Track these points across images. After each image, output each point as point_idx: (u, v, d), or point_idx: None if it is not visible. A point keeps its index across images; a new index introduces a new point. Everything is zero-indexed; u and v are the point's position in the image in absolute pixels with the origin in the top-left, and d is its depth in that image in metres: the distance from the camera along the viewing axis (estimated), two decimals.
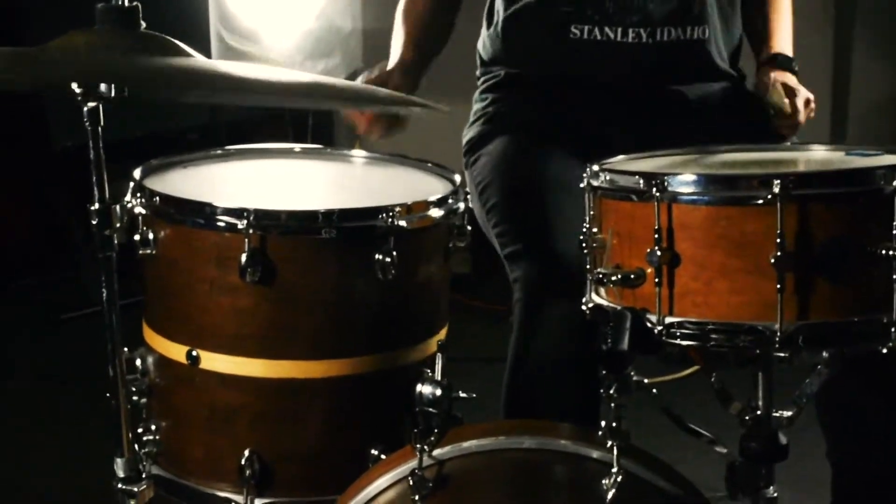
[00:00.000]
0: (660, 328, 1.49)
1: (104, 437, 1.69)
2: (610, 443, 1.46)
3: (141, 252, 1.75)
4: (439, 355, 1.68)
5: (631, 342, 1.43)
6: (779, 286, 1.42)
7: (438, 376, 1.65)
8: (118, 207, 1.63)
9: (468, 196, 1.84)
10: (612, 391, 1.46)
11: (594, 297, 1.61)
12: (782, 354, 1.45)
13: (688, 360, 1.59)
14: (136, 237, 1.74)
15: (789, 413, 1.59)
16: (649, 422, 1.66)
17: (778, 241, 1.41)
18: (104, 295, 1.64)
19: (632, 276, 1.52)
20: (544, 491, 1.53)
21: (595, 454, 1.52)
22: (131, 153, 1.84)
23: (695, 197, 1.47)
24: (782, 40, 2.34)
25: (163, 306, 1.77)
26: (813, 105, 2.17)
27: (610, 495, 1.43)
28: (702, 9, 2.20)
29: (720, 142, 1.88)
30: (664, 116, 2.17)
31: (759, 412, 1.57)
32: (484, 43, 2.39)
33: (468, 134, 2.33)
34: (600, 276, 1.56)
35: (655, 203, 1.48)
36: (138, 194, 1.76)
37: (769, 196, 1.41)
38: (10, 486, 2.92)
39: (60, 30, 1.54)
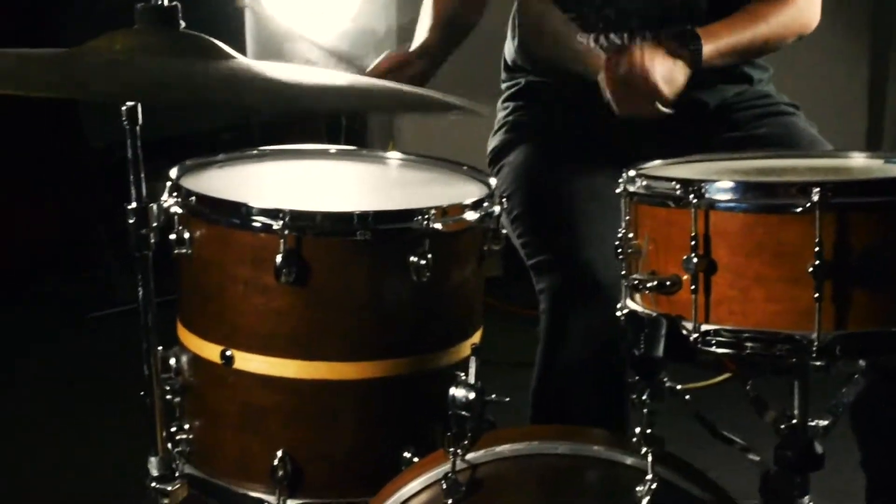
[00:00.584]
0: (695, 335, 1.49)
1: (133, 437, 1.70)
2: (644, 449, 1.46)
3: (176, 251, 1.75)
4: (473, 359, 1.67)
5: (666, 349, 1.43)
6: (816, 295, 1.41)
7: (472, 380, 1.65)
8: (155, 207, 1.65)
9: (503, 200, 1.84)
10: (644, 397, 1.46)
11: (629, 303, 1.60)
12: (819, 363, 1.44)
13: (721, 367, 1.58)
14: (172, 236, 1.74)
15: (825, 422, 1.58)
16: (681, 428, 1.66)
17: (816, 249, 1.40)
18: (140, 294, 1.65)
19: (668, 283, 1.51)
20: (578, 497, 1.52)
21: (629, 461, 1.51)
22: (164, 153, 1.84)
23: (732, 204, 1.46)
24: (717, 25, 2.13)
25: (197, 306, 1.78)
26: (639, 70, 2.02)
27: (644, 502, 1.42)
28: (694, 6, 2.17)
29: (745, 147, 1.86)
30: (684, 121, 2.12)
31: (794, 421, 1.56)
32: (508, 50, 2.40)
33: (492, 143, 2.34)
34: (636, 282, 1.56)
35: (692, 210, 1.47)
36: (174, 193, 1.76)
37: (808, 204, 1.40)
38: (43, 486, 2.93)
39: (97, 30, 1.52)
